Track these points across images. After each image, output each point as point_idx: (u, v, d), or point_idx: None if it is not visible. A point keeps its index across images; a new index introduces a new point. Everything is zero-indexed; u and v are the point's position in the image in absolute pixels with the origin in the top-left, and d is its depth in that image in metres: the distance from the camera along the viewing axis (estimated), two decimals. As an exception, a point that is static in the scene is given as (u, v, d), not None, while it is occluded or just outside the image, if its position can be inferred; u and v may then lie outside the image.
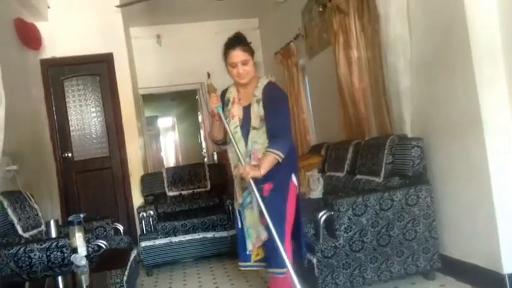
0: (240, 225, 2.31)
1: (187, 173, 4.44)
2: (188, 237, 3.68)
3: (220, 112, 2.24)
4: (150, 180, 4.38)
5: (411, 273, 2.61)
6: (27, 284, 2.46)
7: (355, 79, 3.58)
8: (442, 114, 2.63)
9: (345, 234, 2.48)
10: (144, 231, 3.67)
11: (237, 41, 2.25)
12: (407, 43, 2.84)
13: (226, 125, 2.23)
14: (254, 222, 2.22)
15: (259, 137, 2.20)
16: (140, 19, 5.47)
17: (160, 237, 3.65)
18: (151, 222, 3.67)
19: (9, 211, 2.65)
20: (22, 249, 2.41)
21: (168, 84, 6.03)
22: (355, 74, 3.57)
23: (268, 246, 2.18)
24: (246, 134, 2.23)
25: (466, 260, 2.53)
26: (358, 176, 3.10)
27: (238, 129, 2.24)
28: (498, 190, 2.29)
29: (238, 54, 2.21)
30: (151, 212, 3.69)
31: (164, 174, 4.40)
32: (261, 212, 2.11)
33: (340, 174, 3.39)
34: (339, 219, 2.48)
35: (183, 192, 4.34)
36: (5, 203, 2.63)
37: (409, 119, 2.92)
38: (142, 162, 4.85)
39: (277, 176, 2.15)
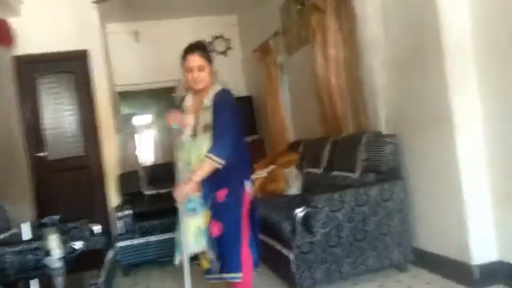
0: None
1: (164, 171, 4.39)
2: (166, 236, 3.64)
3: (174, 131, 2.22)
4: (126, 179, 4.32)
5: (385, 266, 2.68)
6: (-1, 287, 2.41)
7: (333, 77, 3.62)
8: (415, 111, 2.69)
9: (322, 230, 2.52)
10: (121, 231, 3.63)
11: (196, 46, 2.25)
12: (383, 42, 2.90)
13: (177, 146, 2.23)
14: (191, 230, 2.15)
15: (199, 144, 2.17)
16: (117, 15, 5.38)
17: (138, 237, 3.61)
18: (128, 222, 3.63)
19: (-20, 213, 2.58)
20: (-7, 252, 2.35)
21: (146, 82, 5.95)
22: (333, 72, 3.61)
23: (224, 252, 2.15)
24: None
25: (437, 253, 2.61)
26: (335, 173, 3.15)
27: (190, 139, 2.21)
28: (467, 185, 2.37)
29: (195, 59, 2.19)
30: (128, 212, 3.65)
31: (141, 173, 4.35)
32: (214, 217, 2.13)
33: (318, 171, 3.43)
34: (316, 216, 2.51)
35: (161, 191, 4.30)
36: (-25, 205, 2.56)
37: (384, 116, 2.98)
38: (119, 161, 4.78)
39: (231, 182, 2.16)
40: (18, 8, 4.33)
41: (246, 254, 2.18)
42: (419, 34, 2.56)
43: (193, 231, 2.16)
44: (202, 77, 2.20)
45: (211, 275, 2.24)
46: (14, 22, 4.23)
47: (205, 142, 2.14)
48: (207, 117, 2.18)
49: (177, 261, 2.24)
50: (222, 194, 2.15)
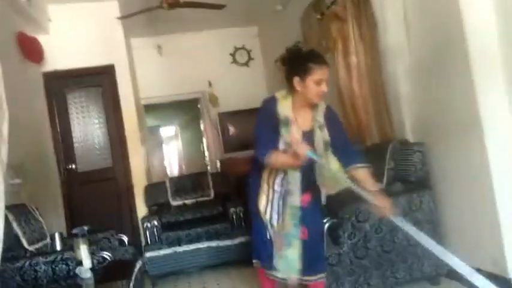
0: (268, 237, 2.20)
1: (190, 182, 4.45)
2: (192, 246, 3.68)
3: (314, 157, 1.94)
4: (153, 190, 4.40)
5: (417, 279, 2.60)
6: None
7: (355, 85, 3.59)
8: (442, 118, 2.64)
9: (349, 241, 2.48)
10: (149, 242, 3.68)
11: (323, 57, 2.08)
12: (405, 49, 2.86)
13: (324, 164, 2.04)
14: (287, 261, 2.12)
15: (324, 163, 2.08)
16: (141, 30, 5.52)
17: (165, 247, 3.65)
18: (155, 233, 3.68)
19: (14, 225, 2.66)
20: (27, 262, 2.43)
21: (170, 94, 6.06)
22: (355, 80, 3.59)
23: (311, 255, 2.16)
24: (308, 163, 2.02)
25: (471, 265, 2.51)
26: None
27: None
28: (501, 193, 2.30)
29: (326, 72, 2.03)
30: (155, 222, 3.70)
31: (167, 184, 4.41)
32: (301, 224, 2.11)
33: (343, 180, 3.39)
34: (342, 226, 2.48)
35: (187, 202, 4.34)
36: (10, 217, 2.64)
37: (409, 124, 2.93)
38: (145, 172, 4.86)
39: (314, 187, 2.20)
40: (47, 26, 4.49)
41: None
42: (443, 39, 2.52)
43: (291, 258, 2.11)
44: (326, 91, 2.06)
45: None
46: (43, 39, 4.39)
47: (331, 159, 2.13)
48: (325, 134, 2.11)
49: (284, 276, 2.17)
50: (305, 199, 2.15)
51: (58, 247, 2.79)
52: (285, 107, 2.09)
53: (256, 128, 2.14)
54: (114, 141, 4.74)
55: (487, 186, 2.33)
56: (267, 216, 2.19)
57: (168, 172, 9.46)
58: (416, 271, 2.57)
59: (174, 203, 4.33)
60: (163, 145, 9.93)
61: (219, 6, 4.29)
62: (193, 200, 4.34)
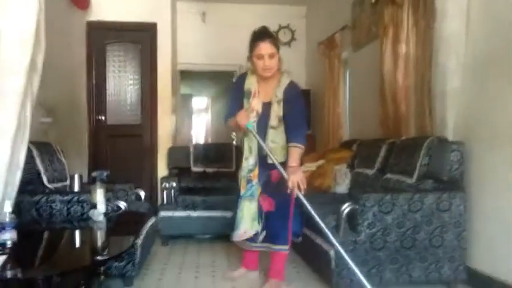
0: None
1: (214, 151, 4.42)
2: (207, 213, 3.66)
3: (252, 129, 2.30)
4: (176, 153, 4.40)
5: (433, 281, 2.47)
6: (45, 234, 2.50)
7: (400, 76, 3.42)
8: (489, 121, 2.45)
9: (367, 230, 2.37)
10: (165, 202, 3.68)
11: (266, 33, 2.32)
12: (462, 42, 2.66)
13: (260, 140, 2.30)
14: (249, 214, 2.39)
15: (276, 136, 2.34)
16: (188, -6, 5.47)
17: (180, 209, 3.64)
18: (172, 194, 3.67)
19: (38, 161, 2.70)
20: (44, 198, 2.46)
21: (207, 63, 6.01)
22: (401, 71, 3.41)
23: (274, 226, 2.37)
24: (263, 132, 2.33)
25: (494, 276, 2.37)
26: (389, 175, 2.97)
27: (255, 124, 2.33)
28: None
29: (266, 47, 2.26)
30: (174, 184, 3.69)
31: (191, 150, 4.40)
32: (265, 192, 2.39)
33: (370, 172, 3.27)
34: (362, 214, 2.38)
35: (208, 170, 4.32)
36: (35, 152, 2.68)
37: (452, 122, 2.75)
38: (171, 136, 4.87)
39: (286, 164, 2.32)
40: (96, -25, 4.50)
41: (290, 229, 2.37)
42: (507, 35, 2.32)
43: (251, 217, 2.38)
44: (272, 65, 2.29)
45: (257, 244, 2.44)
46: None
47: (281, 133, 2.34)
48: (280, 110, 2.32)
49: (235, 238, 2.46)
50: (276, 174, 2.32)
51: (76, 188, 2.82)
52: (251, 81, 2.39)
53: (228, 97, 2.54)
54: (145, 100, 4.77)
55: (527, 198, 2.16)
56: (244, 165, 2.41)
57: (194, 140, 9.52)
58: (433, 273, 2.43)
59: (195, 169, 4.32)
60: (193, 114, 9.98)
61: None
62: (215, 169, 4.31)
